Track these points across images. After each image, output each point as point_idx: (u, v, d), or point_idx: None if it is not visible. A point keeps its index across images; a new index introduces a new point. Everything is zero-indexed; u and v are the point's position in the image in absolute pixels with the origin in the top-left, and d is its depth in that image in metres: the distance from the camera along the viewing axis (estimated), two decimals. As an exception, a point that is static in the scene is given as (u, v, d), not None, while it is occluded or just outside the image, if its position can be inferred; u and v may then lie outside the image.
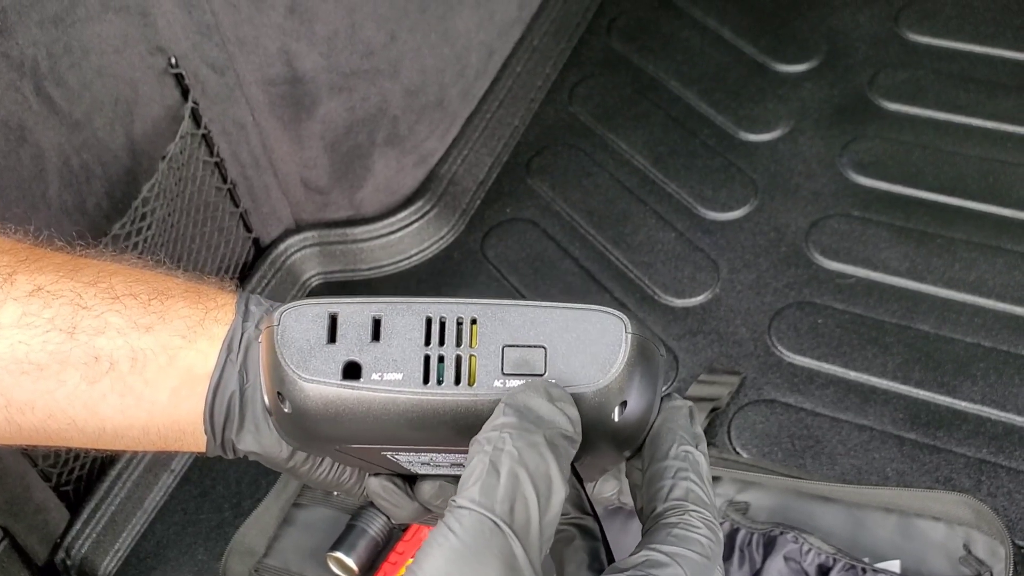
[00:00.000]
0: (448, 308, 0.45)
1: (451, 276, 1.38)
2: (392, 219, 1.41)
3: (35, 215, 1.00)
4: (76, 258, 0.57)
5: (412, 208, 1.42)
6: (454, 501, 0.40)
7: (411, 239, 1.42)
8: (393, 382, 0.44)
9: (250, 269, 1.35)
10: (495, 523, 0.39)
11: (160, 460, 1.19)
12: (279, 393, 0.46)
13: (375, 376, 0.44)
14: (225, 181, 1.25)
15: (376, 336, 0.45)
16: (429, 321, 0.45)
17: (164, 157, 1.11)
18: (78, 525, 1.12)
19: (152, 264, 0.59)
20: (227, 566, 1.10)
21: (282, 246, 1.38)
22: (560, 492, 0.41)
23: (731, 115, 1.52)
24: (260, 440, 0.54)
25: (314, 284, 1.39)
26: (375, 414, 0.45)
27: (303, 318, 0.46)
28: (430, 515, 0.58)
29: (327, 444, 0.49)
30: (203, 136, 1.19)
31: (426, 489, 0.55)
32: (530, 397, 0.43)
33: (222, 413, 0.54)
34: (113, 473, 1.15)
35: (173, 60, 1.12)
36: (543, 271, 1.36)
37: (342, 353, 0.45)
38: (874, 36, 1.60)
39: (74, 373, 0.53)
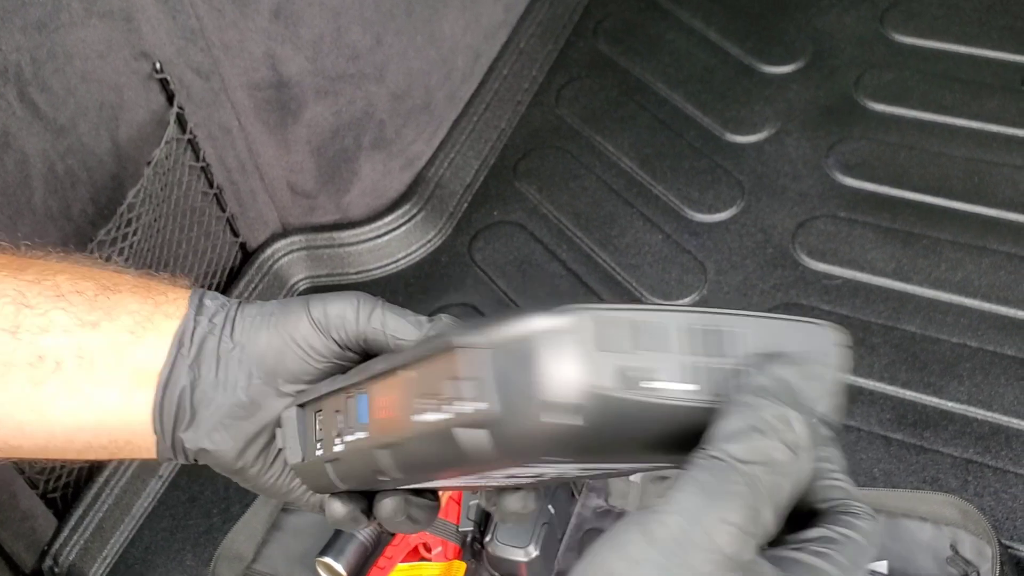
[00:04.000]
0: (727, 320, 0.44)
1: (438, 280, 1.37)
2: (379, 223, 1.41)
3: (20, 221, 1.00)
4: (20, 258, 0.55)
5: (399, 212, 1.42)
6: (704, 448, 0.39)
7: (398, 243, 1.41)
8: (689, 392, 0.43)
9: (237, 274, 1.35)
10: (743, 474, 0.39)
11: (148, 465, 1.19)
12: (572, 403, 0.42)
13: (673, 387, 0.43)
14: (211, 186, 1.25)
15: (663, 345, 0.43)
16: (707, 332, 0.44)
17: (149, 162, 1.11)
18: (65, 532, 1.11)
19: (101, 262, 0.57)
20: (216, 572, 1.09)
21: (269, 251, 1.37)
22: (807, 466, 0.40)
23: (717, 117, 1.52)
24: (212, 437, 0.53)
25: (301, 288, 1.39)
26: (663, 423, 0.43)
27: (602, 323, 0.42)
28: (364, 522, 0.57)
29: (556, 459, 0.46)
30: (189, 141, 1.19)
31: (387, 506, 0.54)
32: (792, 375, 0.42)
33: (172, 410, 0.53)
34: (101, 479, 1.15)
35: (158, 65, 1.12)
36: (531, 274, 1.36)
37: (645, 361, 0.42)
38: (860, 37, 1.61)
39: (19, 375, 0.52)
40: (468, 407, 0.43)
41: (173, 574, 1.13)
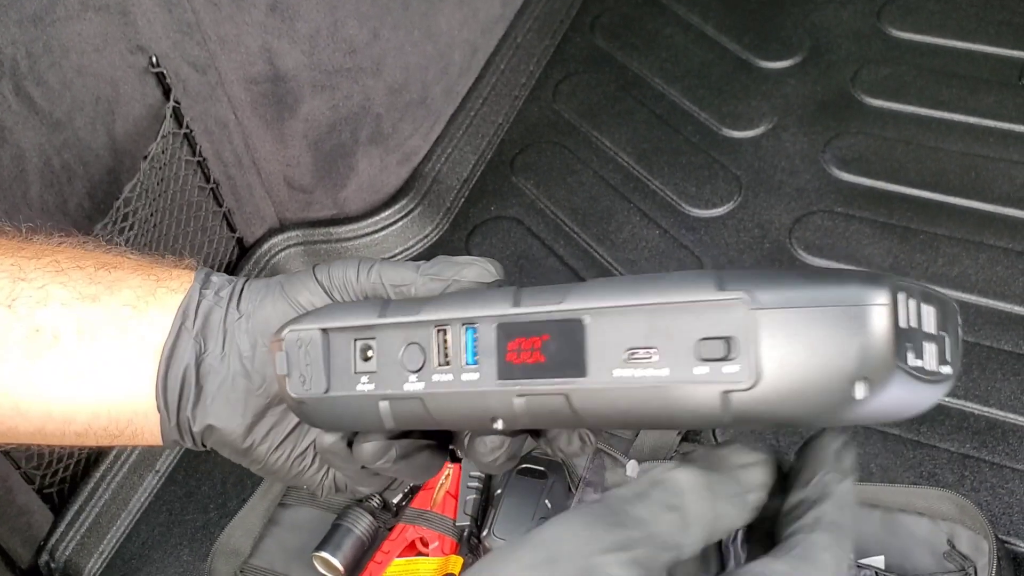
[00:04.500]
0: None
1: (435, 274, 1.36)
2: (376, 218, 1.40)
3: (15, 216, 0.99)
4: (20, 239, 0.54)
5: (396, 207, 1.41)
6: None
7: (395, 238, 1.41)
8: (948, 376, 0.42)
9: (234, 269, 1.34)
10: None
11: (145, 460, 1.18)
12: (864, 378, 0.39)
13: (945, 370, 0.42)
14: (208, 180, 1.24)
15: (927, 322, 0.41)
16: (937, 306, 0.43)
17: (146, 157, 1.10)
18: (62, 527, 1.11)
19: (103, 244, 0.55)
20: (212, 567, 1.09)
21: (266, 245, 1.37)
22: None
23: (715, 112, 1.52)
24: (219, 413, 0.51)
25: (298, 283, 1.38)
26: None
27: (903, 296, 0.39)
28: (376, 479, 0.54)
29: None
30: (185, 135, 1.18)
31: (367, 449, 0.51)
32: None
33: (177, 386, 0.51)
34: (97, 474, 1.14)
35: (154, 59, 1.11)
36: (528, 269, 1.35)
37: (919, 339, 0.40)
38: (857, 32, 1.60)
39: (15, 349, 0.50)
40: (729, 369, 0.40)
41: (170, 569, 1.13)
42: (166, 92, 1.14)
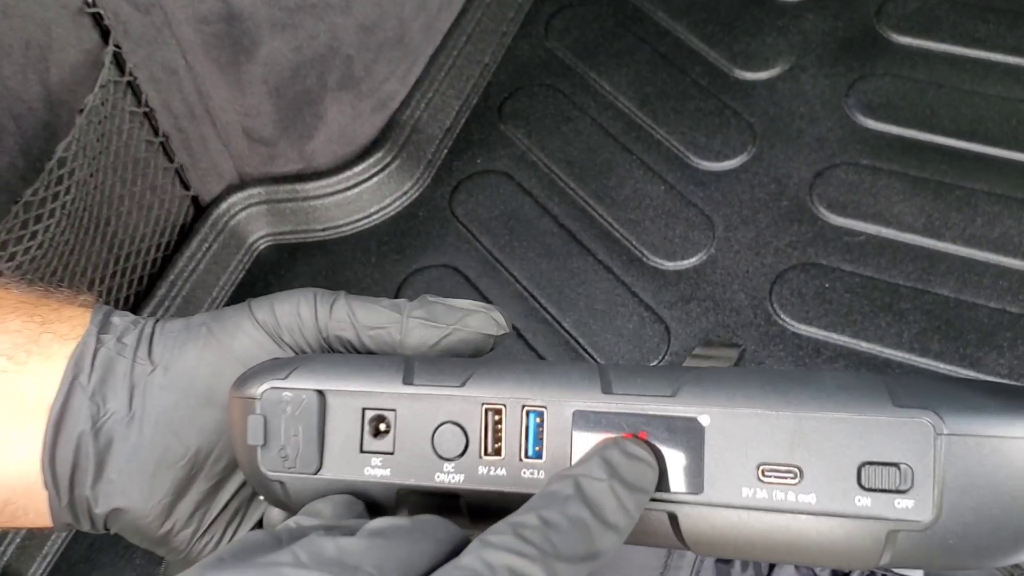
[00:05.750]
0: None
1: (416, 237, 1.27)
2: (348, 173, 1.31)
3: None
4: None
5: (371, 160, 1.32)
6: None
7: (370, 195, 1.32)
8: None
9: (189, 231, 1.25)
10: None
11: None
12: None
13: None
14: (156, 134, 1.15)
15: None
16: None
17: (82, 110, 1.00)
18: (-2, 530, 1.03)
19: None
20: (168, 572, 1.00)
21: (224, 204, 1.28)
22: None
23: (725, 50, 1.42)
24: (127, 491, 0.43)
25: (262, 247, 1.29)
26: None
27: None
28: None
29: None
30: (128, 84, 1.08)
31: (275, 516, 0.45)
32: None
33: (68, 457, 0.43)
34: (37, 468, 1.05)
35: (88, -3, 1.01)
36: (519, 231, 1.26)
37: None
38: (881, -41, 1.51)
39: None
40: (902, 504, 0.35)
41: (121, 574, 1.05)
42: (104, 35, 1.04)
